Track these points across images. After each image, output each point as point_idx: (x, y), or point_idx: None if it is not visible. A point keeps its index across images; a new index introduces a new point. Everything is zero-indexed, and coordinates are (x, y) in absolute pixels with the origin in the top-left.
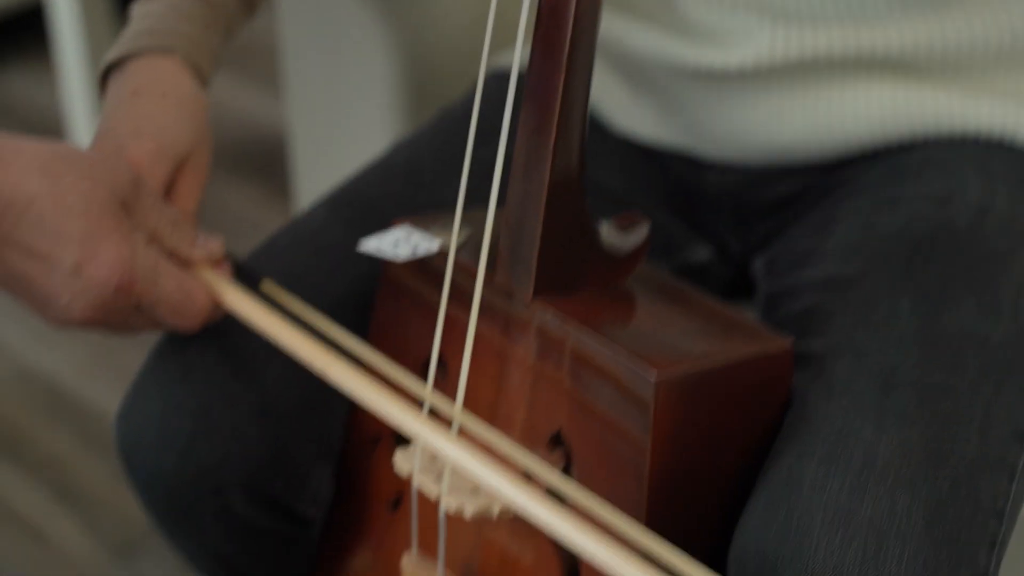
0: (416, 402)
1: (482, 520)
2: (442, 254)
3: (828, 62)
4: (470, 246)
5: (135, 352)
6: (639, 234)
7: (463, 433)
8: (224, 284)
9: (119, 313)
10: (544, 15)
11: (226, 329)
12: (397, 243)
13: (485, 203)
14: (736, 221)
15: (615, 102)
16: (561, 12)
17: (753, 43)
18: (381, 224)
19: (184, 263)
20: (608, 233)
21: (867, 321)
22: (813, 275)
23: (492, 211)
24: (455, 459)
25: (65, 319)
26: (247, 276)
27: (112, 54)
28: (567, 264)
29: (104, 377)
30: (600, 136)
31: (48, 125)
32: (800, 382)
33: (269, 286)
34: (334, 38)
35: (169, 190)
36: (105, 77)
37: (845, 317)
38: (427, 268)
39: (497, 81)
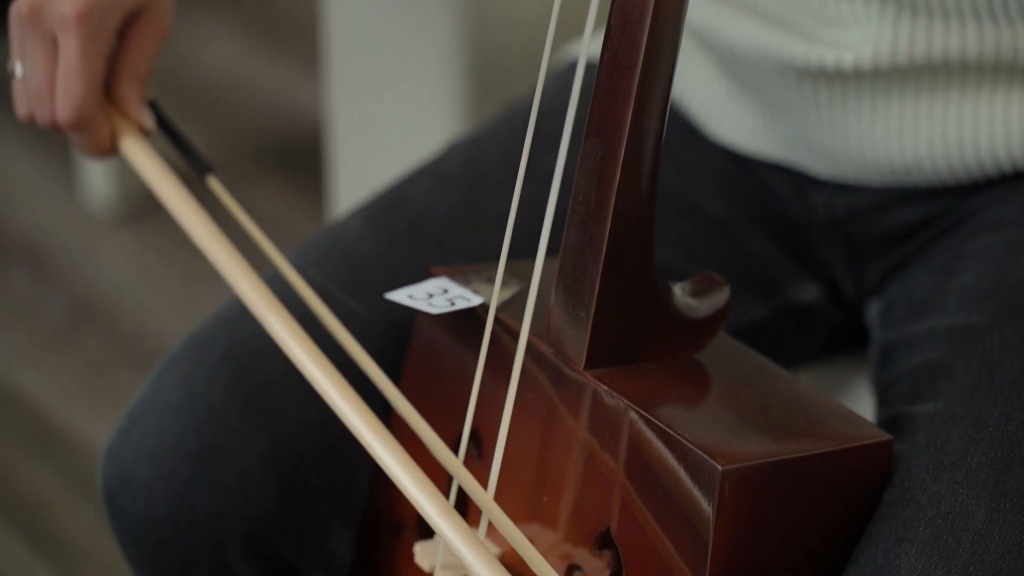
0: (444, 481)
1: None
2: (484, 309)
3: (962, 65)
4: (517, 304)
5: (134, 377)
6: (717, 299)
7: (493, 531)
8: (131, 130)
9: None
10: (613, 30)
11: (237, 353)
12: (432, 295)
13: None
14: (849, 255)
15: (711, 104)
16: (632, 29)
17: (872, 38)
18: (428, 240)
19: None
20: (680, 296)
21: (991, 383)
22: (933, 325)
23: (541, 260)
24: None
25: None
26: (193, 160)
27: None
28: (629, 330)
29: (97, 404)
30: (692, 143)
31: None
32: (906, 451)
33: (216, 184)
34: (385, 12)
35: (120, 44)
36: None
37: (966, 376)
38: (466, 324)
39: (574, 73)
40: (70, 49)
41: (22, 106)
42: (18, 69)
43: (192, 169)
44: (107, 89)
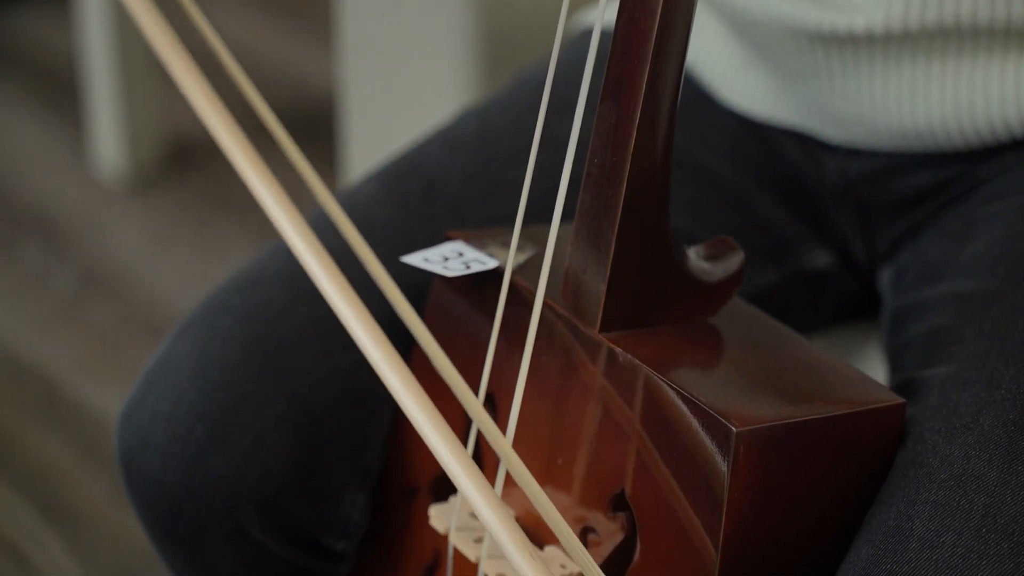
0: (461, 435)
1: None
2: (500, 273)
3: (973, 29)
4: (533, 267)
5: (146, 346)
6: (731, 263)
7: (507, 495)
8: None
9: None
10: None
11: (253, 319)
12: (447, 258)
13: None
14: (861, 221)
15: (724, 70)
16: None
17: (884, 2)
18: (442, 205)
19: None
20: (695, 260)
21: (1003, 347)
22: (945, 290)
23: (556, 222)
24: (494, 529)
25: None
26: None
27: None
28: (644, 292)
29: (108, 374)
30: (706, 110)
31: (63, 70)
32: (918, 415)
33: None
34: None
35: None
36: None
37: (978, 341)
38: (482, 286)
39: (588, 40)
40: None
41: None
42: None
43: None
44: None
